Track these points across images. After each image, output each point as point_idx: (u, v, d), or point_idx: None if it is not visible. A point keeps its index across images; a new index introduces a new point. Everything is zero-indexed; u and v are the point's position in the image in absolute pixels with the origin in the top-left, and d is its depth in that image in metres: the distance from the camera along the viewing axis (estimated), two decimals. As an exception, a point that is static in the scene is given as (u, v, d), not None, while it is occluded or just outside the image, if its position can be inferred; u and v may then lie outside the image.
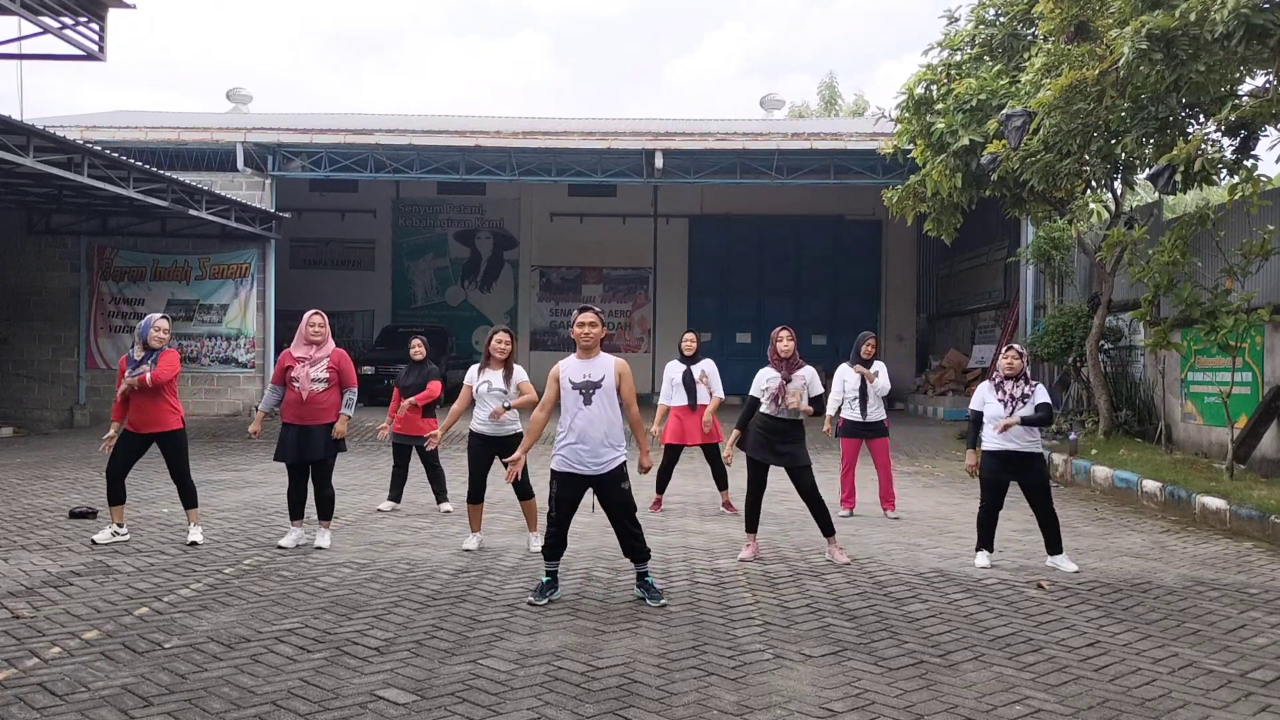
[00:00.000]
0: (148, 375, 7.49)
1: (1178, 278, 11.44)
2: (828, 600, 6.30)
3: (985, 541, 7.47)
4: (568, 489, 6.12)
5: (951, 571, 7.21)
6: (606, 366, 6.12)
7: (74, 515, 8.91)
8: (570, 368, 6.15)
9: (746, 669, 4.91)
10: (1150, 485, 10.73)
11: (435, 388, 9.53)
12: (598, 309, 6.26)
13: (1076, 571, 7.24)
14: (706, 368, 9.67)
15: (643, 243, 26.83)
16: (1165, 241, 11.47)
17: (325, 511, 7.79)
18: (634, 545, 6.20)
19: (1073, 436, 13.41)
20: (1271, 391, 11.46)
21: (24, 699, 4.37)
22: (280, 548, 7.65)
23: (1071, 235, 15.79)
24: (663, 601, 6.09)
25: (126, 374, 7.61)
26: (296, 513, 7.83)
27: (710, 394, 9.63)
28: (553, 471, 6.18)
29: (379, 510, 9.55)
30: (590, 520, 9.08)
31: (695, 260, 27.27)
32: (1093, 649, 5.36)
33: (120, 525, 7.89)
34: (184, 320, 19.23)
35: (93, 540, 7.78)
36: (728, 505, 9.79)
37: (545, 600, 6.10)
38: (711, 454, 9.78)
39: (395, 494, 9.72)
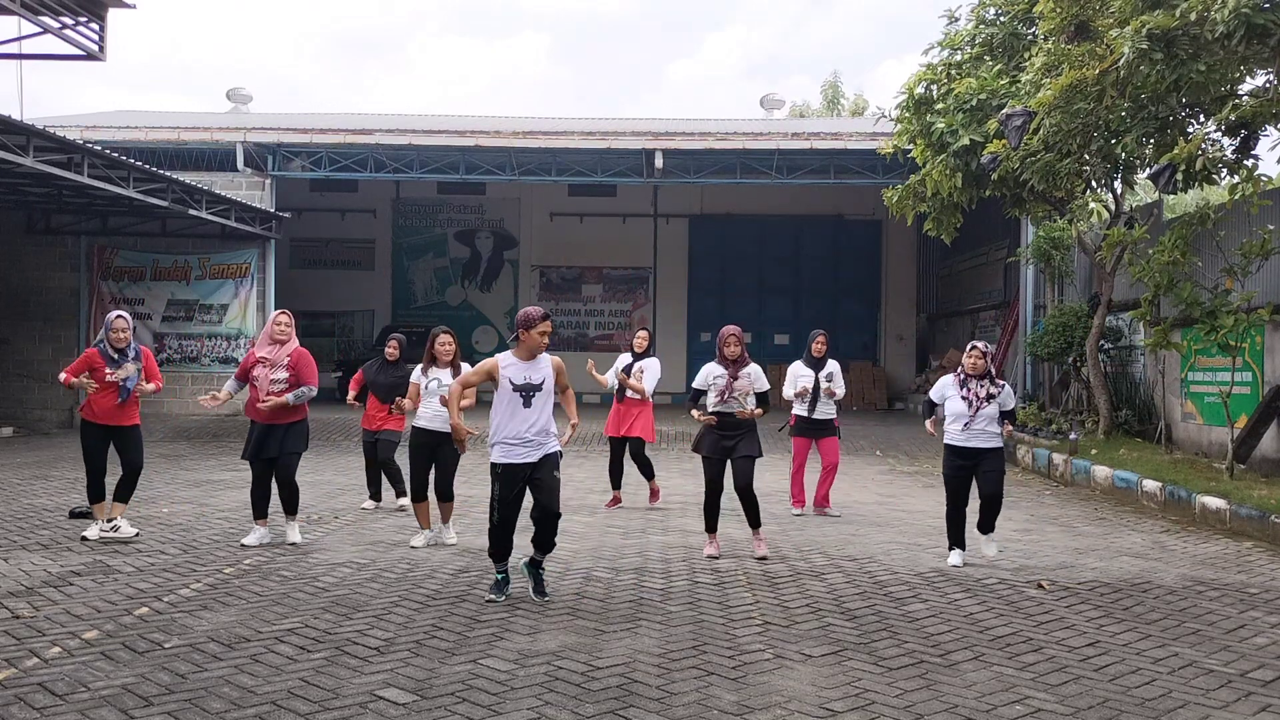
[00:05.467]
0: (146, 385, 7.90)
1: (1178, 277, 11.44)
2: (828, 600, 6.31)
3: (957, 540, 7.54)
4: (510, 486, 6.13)
5: (951, 571, 7.22)
6: (545, 369, 6.19)
7: (74, 515, 8.91)
8: (511, 369, 6.16)
9: (746, 669, 4.91)
10: (1150, 485, 10.73)
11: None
12: (547, 311, 6.25)
13: (1000, 554, 7.53)
14: (645, 365, 9.75)
15: (643, 243, 26.80)
16: (1165, 241, 11.47)
17: (290, 506, 7.86)
18: (546, 536, 6.20)
19: (1073, 436, 13.40)
20: (1271, 391, 11.46)
21: (24, 699, 4.37)
22: (244, 546, 7.67)
23: (1071, 235, 15.78)
24: (546, 597, 6.16)
25: (107, 370, 7.75)
26: (259, 511, 7.86)
27: (638, 387, 9.69)
28: (493, 467, 6.16)
29: (362, 508, 9.59)
30: (590, 520, 9.10)
31: (695, 260, 27.24)
32: (1093, 649, 5.36)
33: (110, 519, 7.93)
34: (184, 320, 19.22)
35: (83, 536, 7.83)
36: (654, 494, 9.98)
37: (504, 596, 6.19)
38: (636, 448, 9.85)
39: (374, 491, 9.77)
